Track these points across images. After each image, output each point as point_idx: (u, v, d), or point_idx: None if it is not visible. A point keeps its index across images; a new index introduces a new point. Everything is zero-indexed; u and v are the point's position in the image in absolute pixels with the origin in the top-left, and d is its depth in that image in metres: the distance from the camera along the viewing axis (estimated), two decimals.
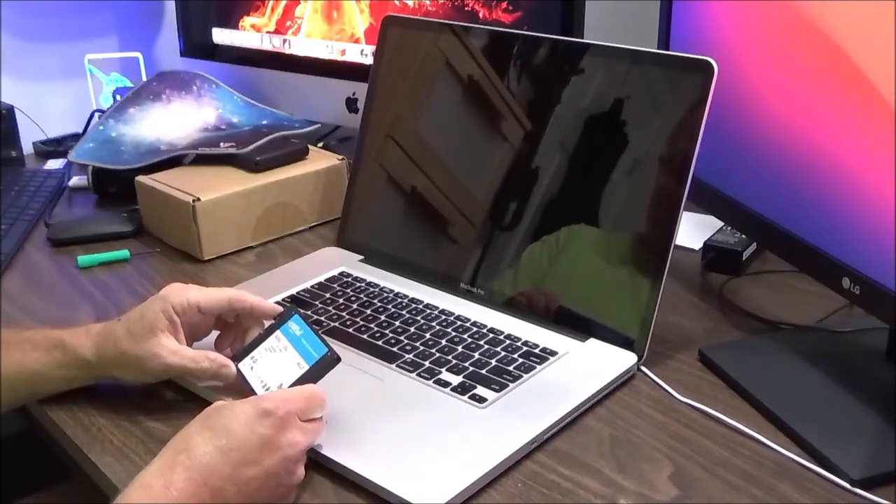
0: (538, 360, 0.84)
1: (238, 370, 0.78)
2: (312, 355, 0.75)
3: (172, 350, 0.78)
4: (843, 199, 0.77)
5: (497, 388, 0.80)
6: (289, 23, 1.41)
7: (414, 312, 0.93)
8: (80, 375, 0.81)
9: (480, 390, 0.80)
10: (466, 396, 0.79)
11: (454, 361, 0.84)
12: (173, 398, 0.83)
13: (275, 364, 0.76)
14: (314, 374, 0.74)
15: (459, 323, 0.91)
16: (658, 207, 0.86)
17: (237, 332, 0.83)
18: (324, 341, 0.76)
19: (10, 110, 1.46)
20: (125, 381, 0.81)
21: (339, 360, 0.75)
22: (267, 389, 0.75)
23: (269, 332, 0.79)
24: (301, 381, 0.74)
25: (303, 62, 1.40)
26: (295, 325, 0.78)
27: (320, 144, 1.39)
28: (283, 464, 0.67)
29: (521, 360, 0.84)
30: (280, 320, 0.79)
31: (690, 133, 0.83)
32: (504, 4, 1.18)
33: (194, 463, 0.64)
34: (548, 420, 0.76)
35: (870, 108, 0.73)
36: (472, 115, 1.00)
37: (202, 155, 1.22)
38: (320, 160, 1.22)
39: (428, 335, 0.89)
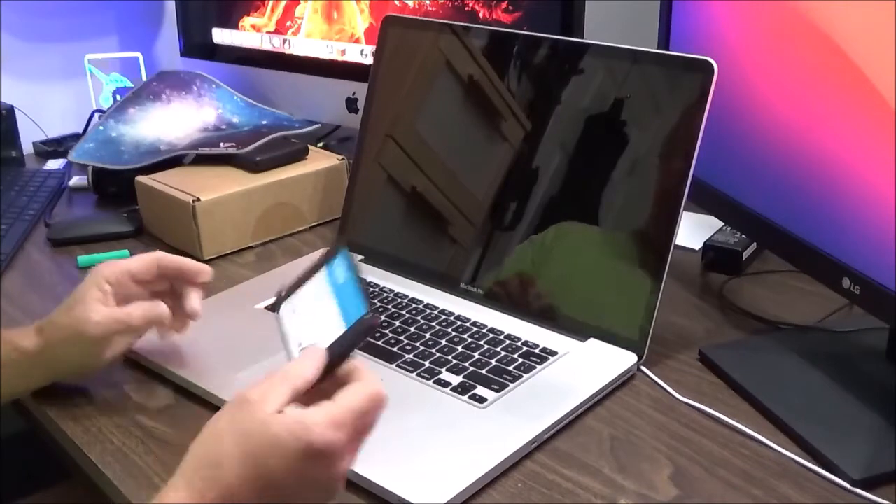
0: (538, 360, 0.84)
1: (278, 317, 0.69)
2: (350, 313, 0.64)
3: (103, 312, 0.79)
4: (843, 199, 0.77)
5: (497, 388, 0.80)
6: (289, 23, 1.41)
7: (414, 312, 0.93)
8: (30, 371, 0.81)
9: (480, 390, 0.80)
10: (466, 396, 0.79)
11: (454, 361, 0.84)
12: (174, 398, 0.83)
13: (314, 315, 0.67)
14: (350, 340, 0.63)
15: (459, 323, 0.91)
16: (658, 207, 0.86)
17: (174, 301, 0.84)
18: (365, 296, 0.64)
19: (10, 110, 1.46)
20: (85, 370, 0.83)
21: (376, 326, 0.67)
22: (301, 348, 0.65)
23: (313, 272, 0.69)
24: (336, 345, 0.63)
25: (303, 62, 1.40)
26: (340, 269, 0.67)
27: (320, 144, 1.39)
28: (327, 494, 0.61)
29: (521, 360, 0.84)
30: (326, 258, 0.69)
31: (690, 133, 0.83)
32: (504, 4, 1.18)
33: (223, 489, 0.57)
34: (548, 420, 0.76)
35: (870, 108, 0.73)
36: (472, 115, 1.00)
37: (202, 155, 1.22)
38: (320, 160, 1.22)
39: (428, 335, 0.89)
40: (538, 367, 0.83)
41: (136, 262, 0.83)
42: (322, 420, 0.58)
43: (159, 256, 0.83)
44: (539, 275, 0.93)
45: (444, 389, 0.80)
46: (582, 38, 1.12)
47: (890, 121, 0.70)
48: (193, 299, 0.84)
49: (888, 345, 0.83)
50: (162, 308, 0.82)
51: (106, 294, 0.80)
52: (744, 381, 0.82)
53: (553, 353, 0.85)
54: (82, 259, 1.12)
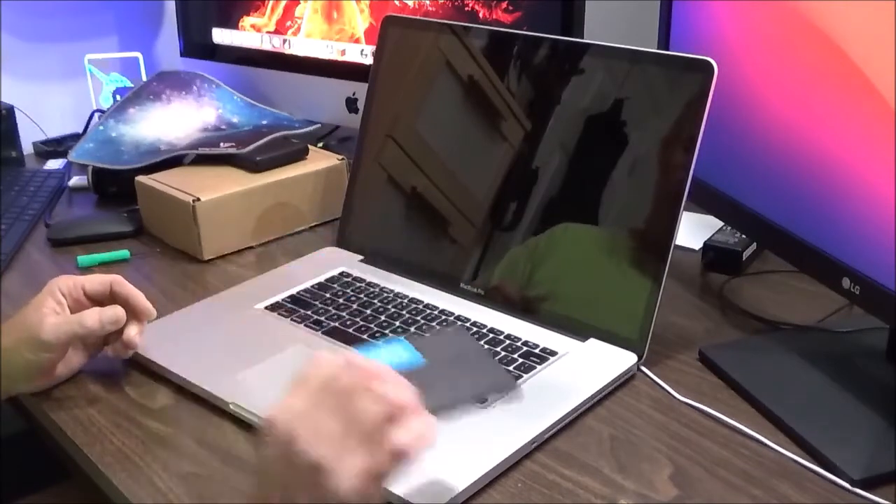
0: (538, 360, 0.84)
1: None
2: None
3: (58, 317, 0.81)
4: (843, 199, 0.77)
5: None
6: (289, 23, 1.41)
7: (414, 312, 0.93)
8: None
9: None
10: None
11: None
12: (173, 398, 0.83)
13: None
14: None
15: (459, 323, 0.91)
16: (658, 207, 0.86)
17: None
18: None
19: (10, 110, 1.46)
20: (38, 379, 0.83)
21: None
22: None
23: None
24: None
25: (303, 62, 1.40)
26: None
27: (320, 144, 1.39)
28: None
29: (521, 360, 0.84)
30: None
31: (691, 133, 0.83)
32: (504, 4, 1.18)
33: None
34: (548, 420, 0.76)
35: (870, 108, 0.73)
36: (472, 115, 1.00)
37: (202, 155, 1.22)
38: (320, 160, 1.22)
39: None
40: (538, 367, 0.83)
41: (91, 279, 0.85)
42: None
43: (114, 280, 0.85)
44: (539, 275, 0.93)
45: None
46: (582, 38, 1.12)
47: (890, 121, 0.71)
48: (133, 330, 0.85)
49: (888, 345, 0.83)
50: (117, 310, 0.83)
51: (61, 304, 0.83)
52: (744, 381, 0.82)
53: (553, 353, 0.85)
54: (82, 259, 1.12)
